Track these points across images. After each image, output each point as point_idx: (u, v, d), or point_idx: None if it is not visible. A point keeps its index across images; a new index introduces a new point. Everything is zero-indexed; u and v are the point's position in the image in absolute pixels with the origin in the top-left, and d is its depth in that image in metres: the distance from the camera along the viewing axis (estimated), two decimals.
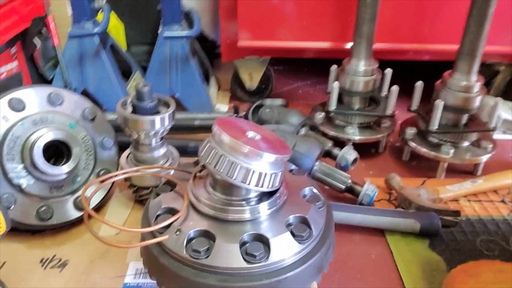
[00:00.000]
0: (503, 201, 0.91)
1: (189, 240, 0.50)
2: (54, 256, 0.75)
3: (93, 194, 0.60)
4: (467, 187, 0.92)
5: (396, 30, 1.14)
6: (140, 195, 0.86)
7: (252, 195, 0.54)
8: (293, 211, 0.54)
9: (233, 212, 0.52)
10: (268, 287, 0.48)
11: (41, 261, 0.74)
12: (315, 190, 0.59)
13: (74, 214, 0.80)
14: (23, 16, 1.12)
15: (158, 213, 0.55)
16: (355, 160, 0.92)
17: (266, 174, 0.51)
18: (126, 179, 0.85)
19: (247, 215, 0.52)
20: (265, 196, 0.55)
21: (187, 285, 0.49)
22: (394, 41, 1.16)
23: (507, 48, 1.14)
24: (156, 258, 0.51)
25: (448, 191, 0.91)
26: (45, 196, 0.77)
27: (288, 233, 0.50)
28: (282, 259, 0.49)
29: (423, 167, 1.05)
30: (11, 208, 0.73)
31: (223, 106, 1.33)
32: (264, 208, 0.53)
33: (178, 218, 0.52)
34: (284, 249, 0.49)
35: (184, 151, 0.93)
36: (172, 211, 0.54)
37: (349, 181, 0.88)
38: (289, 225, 0.53)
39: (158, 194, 0.58)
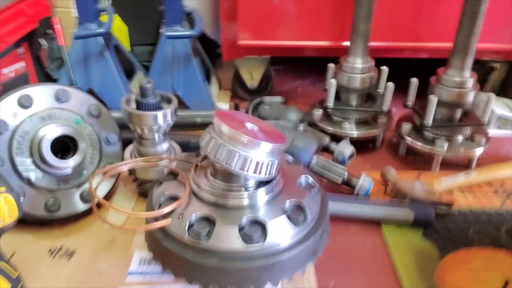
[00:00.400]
0: (496, 192, 0.94)
1: (191, 225, 0.53)
2: (61, 246, 0.78)
3: (98, 184, 0.63)
4: (461, 179, 0.94)
5: (393, 29, 1.17)
6: (144, 188, 0.89)
7: (251, 182, 0.57)
8: (289, 197, 0.57)
9: (233, 198, 0.55)
10: (265, 267, 0.51)
11: (49, 251, 0.77)
12: (310, 179, 0.62)
13: (81, 206, 0.83)
14: (30, 17, 1.15)
15: (161, 200, 0.58)
16: (352, 155, 0.95)
17: (263, 162, 0.54)
18: (130, 173, 0.88)
19: (245, 201, 0.55)
20: (263, 184, 0.58)
21: (189, 266, 0.52)
22: (391, 40, 1.19)
23: (500, 45, 1.17)
24: (159, 242, 0.54)
25: (442, 184, 0.93)
26: (53, 189, 0.80)
27: (284, 217, 0.53)
28: (279, 242, 0.52)
29: (418, 161, 1.08)
30: (21, 200, 0.76)
31: (224, 105, 1.36)
32: (261, 195, 0.56)
33: (181, 203, 0.55)
34: (280, 232, 0.52)
35: (186, 147, 0.96)
36: (174, 198, 0.57)
37: (346, 174, 0.91)
38: (285, 210, 0.55)
39: (161, 183, 0.62)
